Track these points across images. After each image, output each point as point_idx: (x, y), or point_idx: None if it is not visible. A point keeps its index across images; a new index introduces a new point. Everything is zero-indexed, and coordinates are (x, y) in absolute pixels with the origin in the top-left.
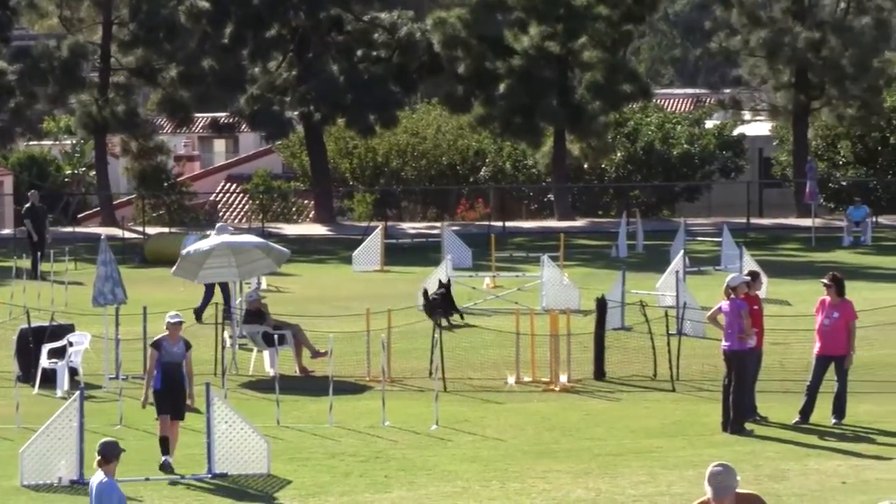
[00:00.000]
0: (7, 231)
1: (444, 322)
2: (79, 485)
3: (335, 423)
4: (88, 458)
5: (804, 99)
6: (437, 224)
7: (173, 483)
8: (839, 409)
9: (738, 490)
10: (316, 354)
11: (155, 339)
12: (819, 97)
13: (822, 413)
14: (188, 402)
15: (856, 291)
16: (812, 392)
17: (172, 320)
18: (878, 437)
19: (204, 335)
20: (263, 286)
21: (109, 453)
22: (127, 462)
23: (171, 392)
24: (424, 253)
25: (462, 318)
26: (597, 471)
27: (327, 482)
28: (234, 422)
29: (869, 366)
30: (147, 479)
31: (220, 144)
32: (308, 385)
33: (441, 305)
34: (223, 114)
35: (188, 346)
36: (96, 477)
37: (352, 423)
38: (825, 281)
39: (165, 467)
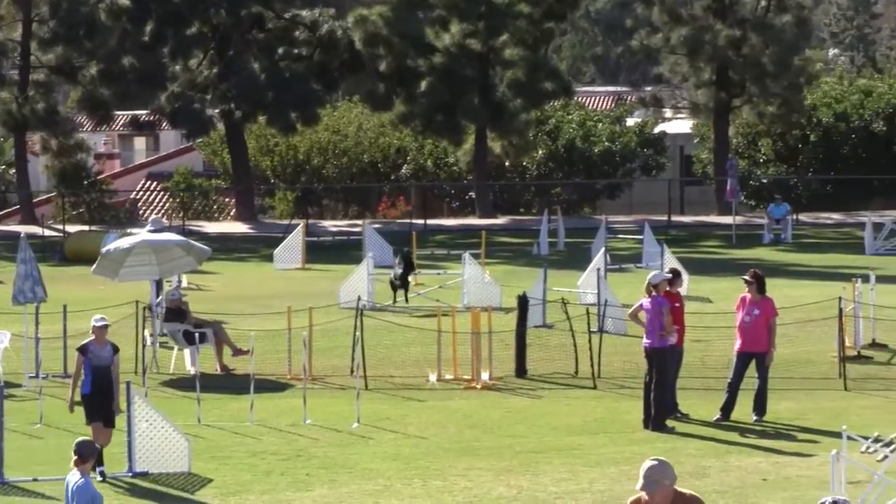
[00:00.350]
0: None
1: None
2: (1, 484)
3: (256, 422)
4: (9, 458)
5: (725, 97)
6: (359, 222)
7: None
8: (760, 407)
9: (679, 489)
10: (237, 352)
11: (81, 343)
12: (740, 95)
13: (744, 410)
14: (114, 408)
15: (776, 289)
16: (733, 389)
17: (98, 324)
18: (799, 433)
19: (124, 334)
20: (184, 284)
21: (86, 452)
22: (48, 462)
23: (101, 398)
24: (346, 251)
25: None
26: (518, 468)
27: (248, 481)
28: (155, 420)
29: (789, 363)
30: (35, 480)
31: (140, 142)
32: (229, 383)
33: (402, 278)
34: (144, 111)
35: (116, 349)
36: (73, 476)
37: (273, 422)
38: (746, 277)
39: (102, 476)
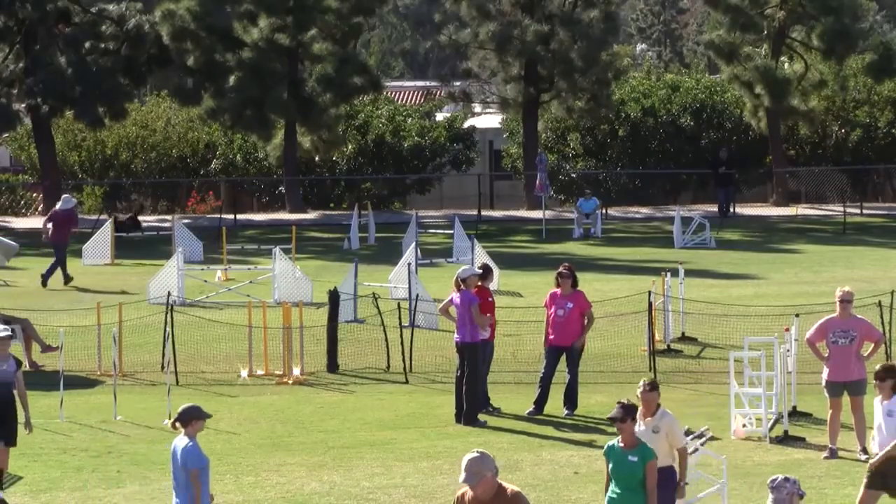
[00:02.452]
0: None
1: None
2: None
3: (66, 418)
4: None
5: (534, 92)
6: (168, 217)
7: None
8: (571, 401)
9: (504, 483)
10: (46, 349)
11: None
12: (548, 90)
13: (556, 404)
14: (26, 429)
15: (587, 283)
16: (545, 383)
17: (1, 334)
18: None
19: None
20: None
21: (185, 416)
22: None
23: (2, 415)
24: (155, 246)
25: None
26: (331, 463)
27: (59, 478)
28: None
29: (600, 357)
30: None
31: None
32: (38, 380)
33: None
34: None
35: (18, 363)
36: (180, 440)
37: (83, 418)
38: (562, 270)
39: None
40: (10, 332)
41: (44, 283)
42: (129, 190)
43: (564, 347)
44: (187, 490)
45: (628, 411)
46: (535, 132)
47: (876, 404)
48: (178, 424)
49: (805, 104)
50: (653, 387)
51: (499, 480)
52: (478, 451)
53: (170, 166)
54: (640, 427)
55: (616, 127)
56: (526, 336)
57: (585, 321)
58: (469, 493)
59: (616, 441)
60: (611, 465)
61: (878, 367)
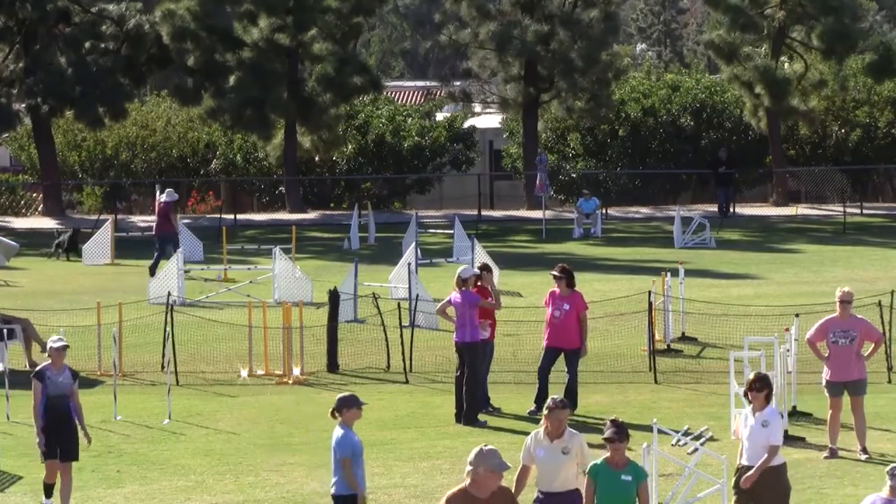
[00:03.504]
0: None
1: None
2: None
3: None
4: None
5: (533, 91)
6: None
7: None
8: (570, 401)
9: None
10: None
11: (37, 368)
12: (548, 90)
13: None
14: (85, 440)
15: (587, 283)
16: (542, 375)
17: (56, 345)
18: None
19: None
20: None
21: (340, 405)
22: None
23: (59, 430)
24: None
25: None
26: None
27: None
28: None
29: (600, 356)
30: None
31: None
32: None
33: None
34: None
35: (75, 375)
36: (336, 429)
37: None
38: (555, 272)
39: None
40: (65, 342)
41: (152, 273)
42: (129, 190)
43: (561, 349)
44: (338, 474)
45: (623, 430)
46: (535, 132)
47: (745, 415)
48: (334, 413)
49: (805, 104)
50: (562, 405)
51: None
52: (487, 446)
53: (170, 166)
54: (542, 450)
55: (616, 127)
56: (526, 336)
57: (581, 325)
58: (470, 491)
59: (601, 460)
60: (598, 487)
61: (751, 375)
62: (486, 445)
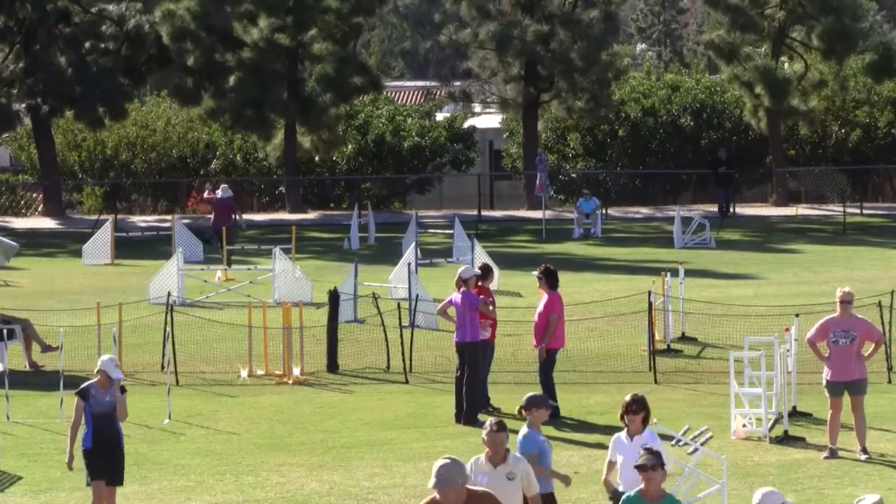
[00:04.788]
0: None
1: None
2: None
3: (67, 419)
4: None
5: (533, 92)
6: (168, 217)
7: None
8: (548, 397)
9: (471, 487)
10: (46, 349)
11: (81, 386)
12: (548, 90)
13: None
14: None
15: (587, 283)
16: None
17: (115, 375)
18: (611, 427)
19: None
20: None
21: (529, 403)
22: None
23: (105, 451)
24: (155, 246)
25: None
26: (331, 463)
27: (59, 478)
28: None
29: (600, 357)
30: None
31: None
32: (38, 380)
33: None
34: None
35: (123, 391)
36: (522, 429)
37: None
38: (535, 272)
39: None
40: (121, 375)
41: (228, 265)
42: (129, 190)
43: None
44: None
45: (658, 458)
46: (535, 132)
47: (621, 440)
48: (521, 411)
49: (805, 104)
50: (500, 427)
51: (467, 486)
52: (450, 458)
53: (170, 166)
54: (484, 476)
55: (616, 127)
56: (526, 336)
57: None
58: (437, 498)
59: (635, 492)
60: None
61: (627, 398)
62: (441, 459)
